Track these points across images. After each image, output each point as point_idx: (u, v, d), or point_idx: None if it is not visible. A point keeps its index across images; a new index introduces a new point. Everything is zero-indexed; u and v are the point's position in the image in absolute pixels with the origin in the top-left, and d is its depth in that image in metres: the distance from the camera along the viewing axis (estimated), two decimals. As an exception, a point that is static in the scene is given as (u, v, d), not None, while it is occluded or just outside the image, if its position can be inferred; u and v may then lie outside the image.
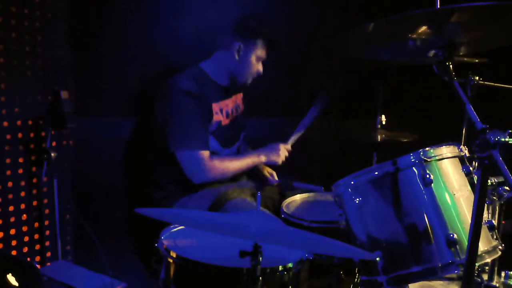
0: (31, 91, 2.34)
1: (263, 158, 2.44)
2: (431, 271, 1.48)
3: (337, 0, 3.01)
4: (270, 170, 2.60)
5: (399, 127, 2.55)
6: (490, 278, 1.75)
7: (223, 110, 2.42)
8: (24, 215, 2.33)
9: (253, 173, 2.58)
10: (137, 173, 2.74)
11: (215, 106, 2.37)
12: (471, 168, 1.56)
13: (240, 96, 2.61)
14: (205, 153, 2.28)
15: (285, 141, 2.54)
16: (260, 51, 2.38)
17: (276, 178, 2.58)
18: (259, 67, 2.42)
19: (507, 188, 1.57)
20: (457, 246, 1.45)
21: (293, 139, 2.56)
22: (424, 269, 1.49)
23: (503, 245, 1.55)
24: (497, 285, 1.75)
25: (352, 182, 1.61)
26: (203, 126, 2.32)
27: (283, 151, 2.47)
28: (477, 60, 2.29)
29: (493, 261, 1.71)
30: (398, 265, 1.52)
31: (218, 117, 2.38)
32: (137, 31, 2.68)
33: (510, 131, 1.14)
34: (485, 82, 2.25)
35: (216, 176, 2.32)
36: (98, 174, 2.67)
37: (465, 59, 2.24)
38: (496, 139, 1.13)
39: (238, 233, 1.27)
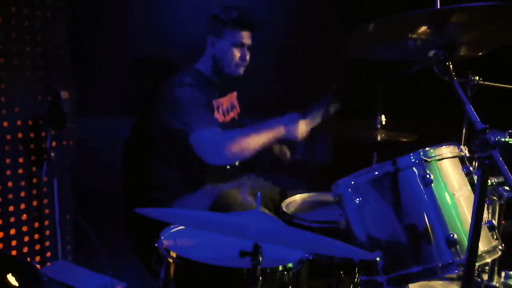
0: (31, 91, 2.34)
1: (282, 131, 2.25)
2: (431, 271, 1.48)
3: (337, 0, 3.01)
4: (284, 148, 2.55)
5: (399, 127, 2.55)
6: (490, 278, 1.76)
7: (219, 108, 2.43)
8: (24, 215, 2.33)
9: (266, 152, 2.46)
10: (137, 173, 2.74)
11: (213, 103, 2.38)
12: (471, 168, 1.56)
13: (234, 95, 2.61)
14: (220, 131, 2.21)
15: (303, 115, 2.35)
16: (235, 37, 2.35)
17: (289, 157, 2.50)
18: (242, 54, 2.39)
19: (507, 188, 1.57)
20: (457, 246, 1.45)
21: (312, 120, 2.36)
22: (424, 269, 1.49)
23: (503, 245, 1.55)
24: (497, 285, 1.75)
25: (352, 182, 1.61)
26: (209, 111, 2.31)
27: (302, 126, 2.29)
28: (480, 53, 2.27)
29: (493, 261, 1.72)
30: (398, 265, 1.52)
31: (215, 114, 2.38)
32: (137, 31, 2.68)
33: (510, 131, 1.14)
34: (485, 82, 2.25)
35: (236, 154, 2.21)
36: (98, 174, 2.67)
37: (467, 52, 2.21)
38: (496, 139, 1.13)
39: (238, 233, 1.27)
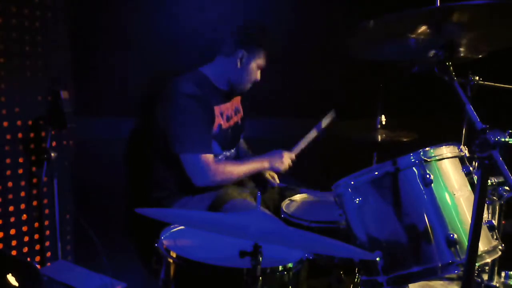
0: (31, 91, 2.33)
1: (266, 165, 2.42)
2: (431, 271, 1.48)
3: (338, 0, 3.01)
4: (272, 173, 2.60)
5: (399, 127, 2.55)
6: (490, 278, 1.76)
7: (223, 113, 2.42)
8: (24, 215, 2.33)
9: (255, 175, 2.57)
10: (137, 173, 2.74)
11: (216, 109, 2.37)
12: (471, 168, 1.56)
13: (238, 99, 2.61)
14: (209, 157, 2.27)
15: (289, 148, 2.53)
16: (261, 60, 2.37)
17: (278, 181, 2.57)
18: (258, 75, 2.42)
19: (507, 188, 1.57)
20: (457, 246, 1.45)
21: (298, 148, 2.54)
22: (424, 269, 1.49)
23: (503, 245, 1.55)
24: (497, 285, 1.75)
25: (352, 182, 1.61)
26: (206, 129, 2.31)
27: (286, 159, 2.46)
28: (480, 56, 2.28)
29: (493, 261, 1.72)
30: (398, 265, 1.52)
31: (218, 120, 2.38)
32: (137, 31, 2.68)
33: (510, 131, 1.14)
34: (485, 82, 2.25)
35: (219, 181, 2.30)
36: (98, 174, 2.67)
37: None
38: (496, 139, 1.13)
39: (238, 233, 1.27)
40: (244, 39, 2.34)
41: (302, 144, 2.55)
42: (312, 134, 2.57)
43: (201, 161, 2.25)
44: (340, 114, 2.98)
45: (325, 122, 2.61)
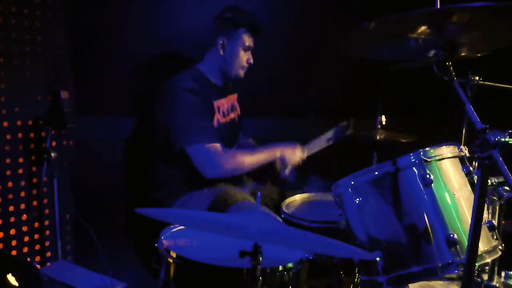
0: (31, 91, 2.34)
1: (278, 153, 2.36)
2: (431, 271, 1.48)
3: (338, 0, 3.01)
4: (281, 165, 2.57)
5: (399, 127, 2.55)
6: (490, 278, 1.76)
7: (220, 108, 2.43)
8: (24, 215, 2.33)
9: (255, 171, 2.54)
10: (137, 172, 2.74)
11: (214, 104, 2.38)
12: (471, 168, 1.55)
13: (234, 96, 2.61)
14: (217, 146, 2.25)
15: (302, 143, 2.47)
16: (245, 40, 2.36)
17: (288, 173, 2.53)
18: (248, 57, 2.41)
19: (507, 188, 1.57)
20: (457, 246, 1.45)
21: (310, 148, 2.48)
22: (424, 269, 1.49)
23: (503, 245, 1.55)
24: (497, 285, 1.75)
25: (352, 182, 1.61)
26: (209, 120, 2.32)
27: (299, 153, 2.41)
28: (480, 54, 2.28)
29: (493, 261, 1.72)
30: (398, 265, 1.52)
31: (216, 115, 2.38)
32: (137, 31, 2.68)
33: (510, 131, 1.14)
34: (485, 82, 2.25)
35: (229, 171, 2.28)
36: (98, 174, 2.67)
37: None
38: (496, 139, 1.13)
39: (238, 233, 1.27)
40: (219, 26, 2.36)
41: (316, 145, 2.49)
42: (327, 137, 2.51)
43: (210, 151, 2.23)
44: (340, 114, 2.98)
45: (340, 131, 2.55)
